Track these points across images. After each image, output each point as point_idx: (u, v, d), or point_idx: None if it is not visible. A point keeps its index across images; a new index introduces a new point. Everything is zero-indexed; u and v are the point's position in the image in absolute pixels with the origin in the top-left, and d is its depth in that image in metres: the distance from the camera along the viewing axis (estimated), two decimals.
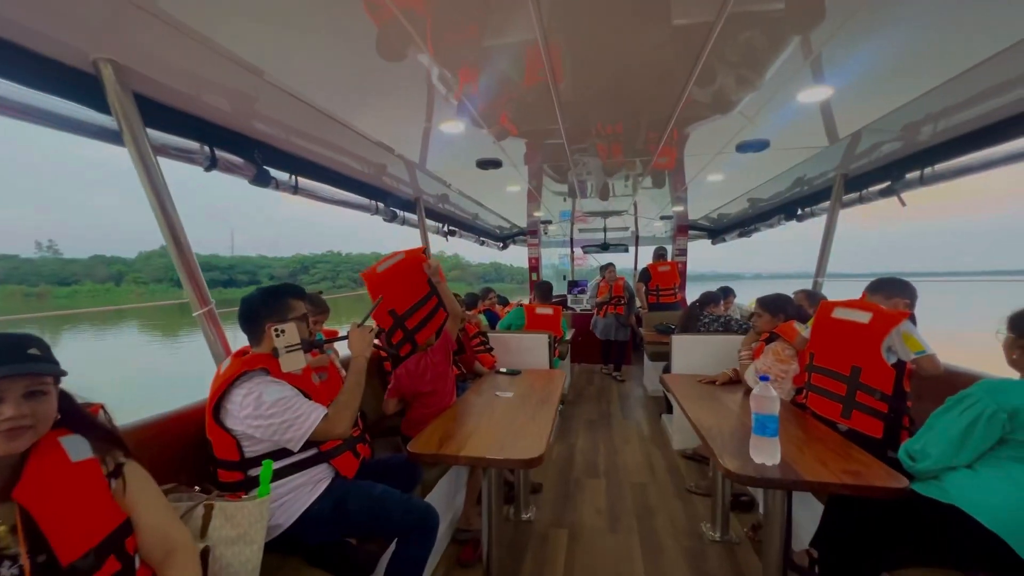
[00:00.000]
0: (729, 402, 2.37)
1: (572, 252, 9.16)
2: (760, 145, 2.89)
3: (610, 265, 5.96)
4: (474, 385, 2.74)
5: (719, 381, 2.68)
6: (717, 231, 7.47)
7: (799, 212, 4.73)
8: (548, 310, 4.24)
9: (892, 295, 2.12)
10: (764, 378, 1.61)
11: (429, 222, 5.06)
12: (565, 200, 5.41)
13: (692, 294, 6.81)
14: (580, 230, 7.93)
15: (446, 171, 3.74)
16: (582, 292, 8.45)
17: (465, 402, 2.37)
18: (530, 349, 3.91)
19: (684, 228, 7.08)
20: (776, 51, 1.76)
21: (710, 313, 3.91)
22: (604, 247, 7.76)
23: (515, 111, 2.39)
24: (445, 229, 5.39)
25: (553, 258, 10.09)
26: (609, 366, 6.43)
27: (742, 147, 2.92)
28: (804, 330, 2.29)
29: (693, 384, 2.72)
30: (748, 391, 2.51)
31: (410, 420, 2.30)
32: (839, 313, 2.10)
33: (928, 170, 2.91)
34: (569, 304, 8.34)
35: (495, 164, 3.23)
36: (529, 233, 7.68)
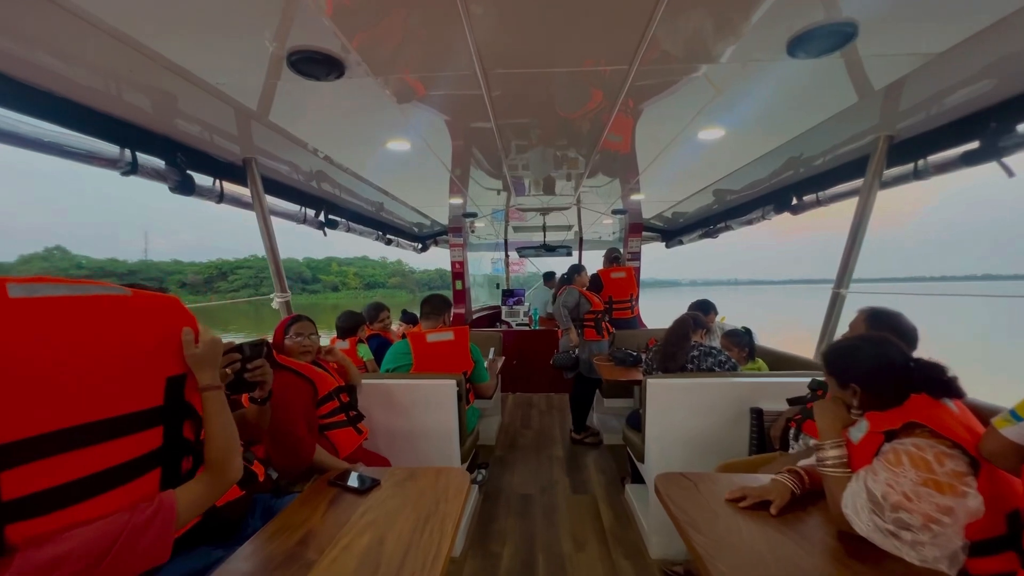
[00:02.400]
0: (804, 561, 1.03)
1: (507, 256, 7.78)
2: (842, 33, 1.55)
3: (581, 267, 4.16)
4: (236, 555, 1.19)
5: (777, 505, 1.32)
6: (672, 232, 6.36)
7: (795, 201, 3.61)
8: (446, 335, 2.73)
9: None
10: None
11: (287, 206, 3.47)
12: (499, 194, 4.08)
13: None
14: (515, 229, 6.57)
15: (315, 132, 2.32)
16: (519, 303, 7.07)
17: None
18: (428, 405, 2.44)
19: (638, 227, 5.90)
20: None
21: (698, 343, 2.62)
22: (544, 250, 6.29)
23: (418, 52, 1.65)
24: (321, 218, 3.79)
25: (484, 264, 8.68)
26: (584, 431, 4.08)
27: (799, 44, 1.60)
28: (1010, 423, 0.99)
29: (713, 501, 1.36)
30: (843, 531, 1.18)
31: None
32: None
33: None
34: (503, 317, 6.91)
35: (331, 66, 1.70)
36: (452, 231, 6.20)
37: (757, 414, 2.24)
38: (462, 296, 6.38)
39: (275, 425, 1.72)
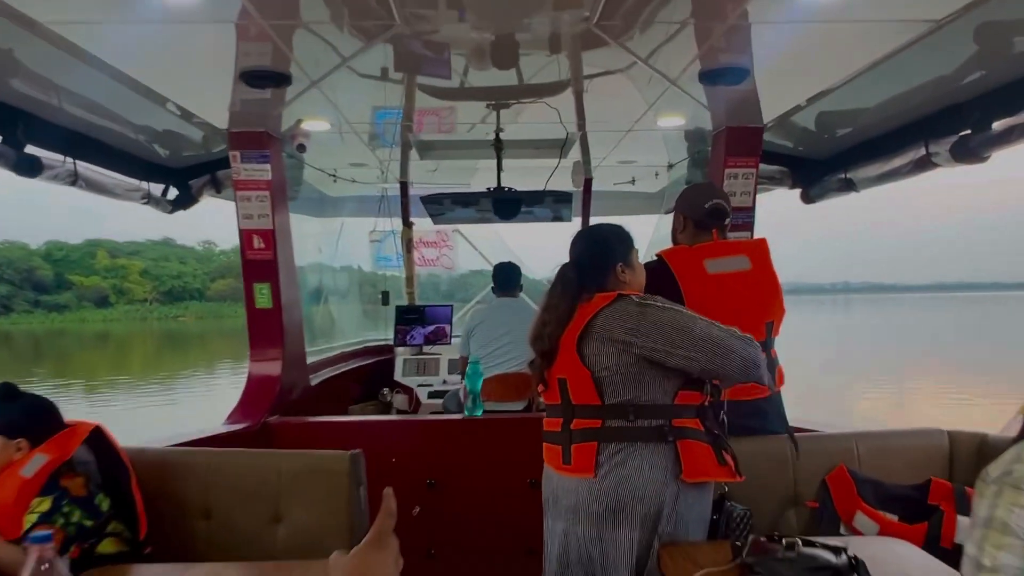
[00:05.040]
0: None
1: (407, 219, 3.47)
2: None
3: (621, 238, 1.31)
4: None
5: None
6: (820, 164, 2.49)
7: None
8: None
9: None
10: None
11: None
12: (371, 55, 1.56)
13: None
14: (421, 150, 2.70)
15: None
16: (438, 341, 3.21)
17: None
18: None
19: (750, 140, 2.20)
20: None
21: None
22: (496, 209, 2.44)
23: None
24: None
25: (354, 244, 3.90)
26: None
27: None
28: None
29: None
30: None
31: None
32: None
33: None
34: (399, 375, 3.14)
35: None
36: (237, 145, 2.09)
37: None
38: (274, 327, 2.27)
39: None
